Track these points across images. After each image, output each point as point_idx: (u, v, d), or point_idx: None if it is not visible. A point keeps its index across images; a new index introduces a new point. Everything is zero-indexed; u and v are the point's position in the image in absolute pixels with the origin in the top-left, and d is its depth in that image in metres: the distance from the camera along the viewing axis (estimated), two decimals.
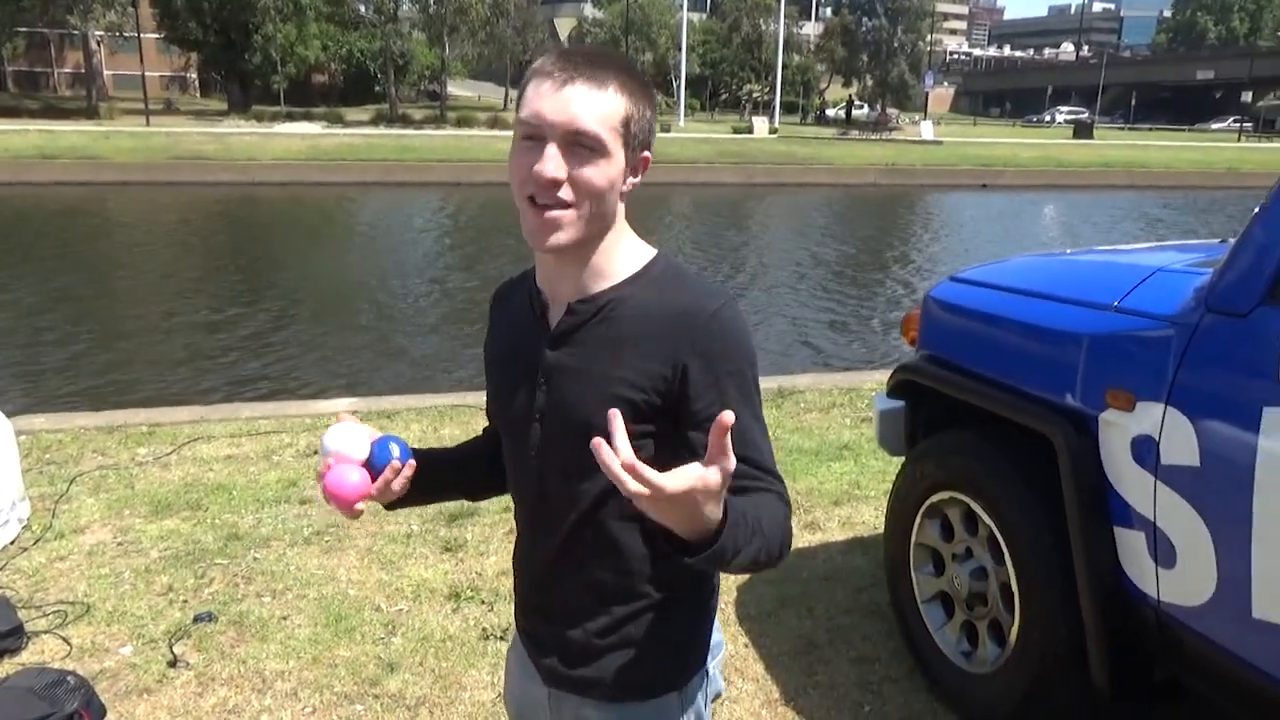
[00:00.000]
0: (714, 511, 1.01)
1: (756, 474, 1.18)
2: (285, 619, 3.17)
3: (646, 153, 1.20)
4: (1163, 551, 2.02)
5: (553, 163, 1.11)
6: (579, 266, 1.21)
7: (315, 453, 4.76)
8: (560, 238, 1.15)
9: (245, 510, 4.04)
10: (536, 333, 1.25)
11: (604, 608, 1.26)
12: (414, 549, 3.71)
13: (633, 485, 0.94)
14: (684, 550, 1.03)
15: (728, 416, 0.94)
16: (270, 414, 5.46)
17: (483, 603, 3.30)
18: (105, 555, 3.61)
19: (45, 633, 3.03)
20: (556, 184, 1.12)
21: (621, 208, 1.22)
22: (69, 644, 2.97)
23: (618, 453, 0.94)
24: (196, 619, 3.13)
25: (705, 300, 1.18)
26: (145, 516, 3.96)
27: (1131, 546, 2.10)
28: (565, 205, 1.13)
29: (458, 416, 5.37)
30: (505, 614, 3.20)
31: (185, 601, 3.27)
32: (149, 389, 7.97)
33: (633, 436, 1.15)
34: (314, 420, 5.28)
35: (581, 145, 1.12)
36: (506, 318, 1.33)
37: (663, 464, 1.18)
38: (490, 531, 3.84)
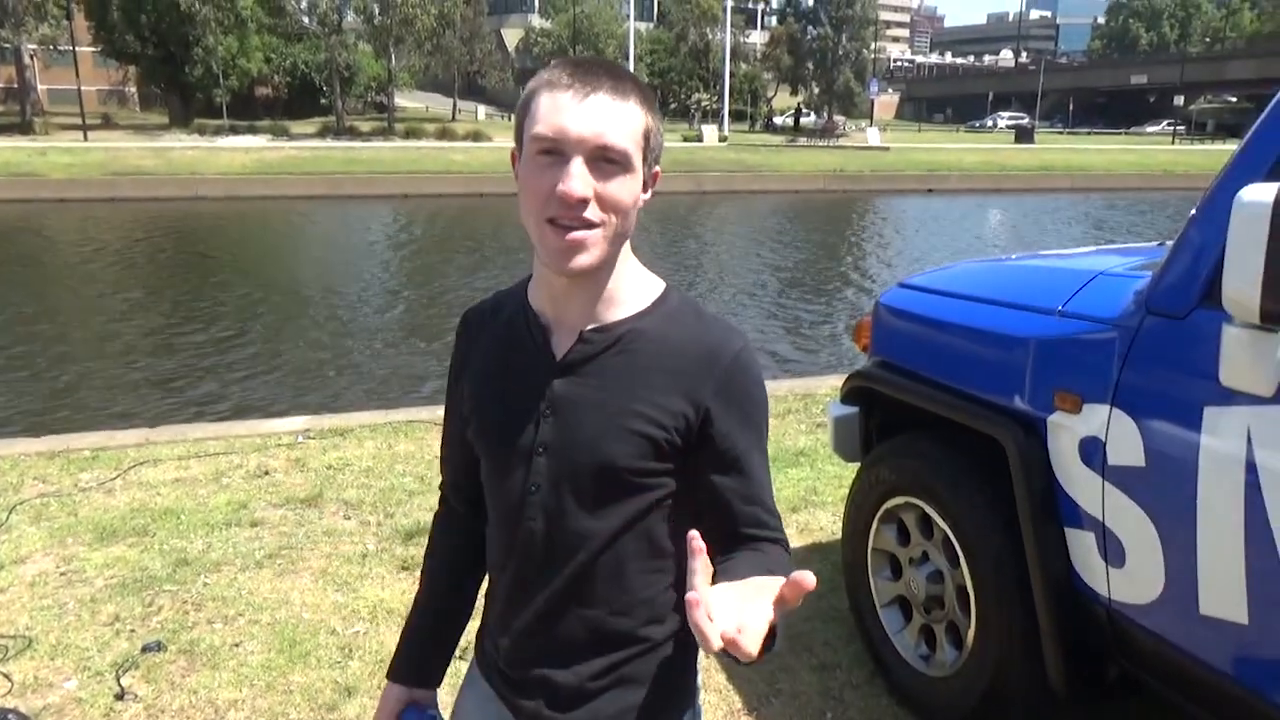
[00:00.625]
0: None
1: (768, 523, 1.18)
2: (237, 646, 3.10)
3: (658, 167, 1.16)
4: (1112, 551, 2.06)
5: (580, 180, 1.04)
6: (592, 291, 1.14)
7: (266, 473, 4.68)
8: (586, 259, 1.08)
9: (194, 535, 3.95)
10: (536, 360, 1.17)
11: (602, 650, 1.19)
12: (370, 569, 3.66)
13: (747, 647, 0.86)
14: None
15: (808, 581, 0.87)
16: (219, 434, 5.35)
17: None
18: (48, 586, 3.49)
19: None
20: (584, 202, 1.05)
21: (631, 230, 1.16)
22: (10, 680, 2.87)
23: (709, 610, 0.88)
24: (145, 649, 3.05)
25: (728, 340, 1.16)
26: (89, 544, 3.85)
27: (1082, 547, 2.14)
28: (590, 225, 1.06)
29: (412, 432, 5.31)
30: (467, 631, 3.16)
31: (133, 631, 3.18)
32: (93, 412, 7.76)
33: (653, 475, 1.15)
34: (263, 440, 5.19)
35: (608, 160, 1.06)
36: (491, 344, 1.24)
37: (679, 503, 1.19)
38: None
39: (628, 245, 1.16)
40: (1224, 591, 1.81)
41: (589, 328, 1.15)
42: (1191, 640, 1.92)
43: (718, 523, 1.17)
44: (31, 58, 39.42)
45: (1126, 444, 1.98)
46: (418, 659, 1.39)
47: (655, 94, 1.14)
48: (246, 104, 46.08)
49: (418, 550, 3.79)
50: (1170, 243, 2.11)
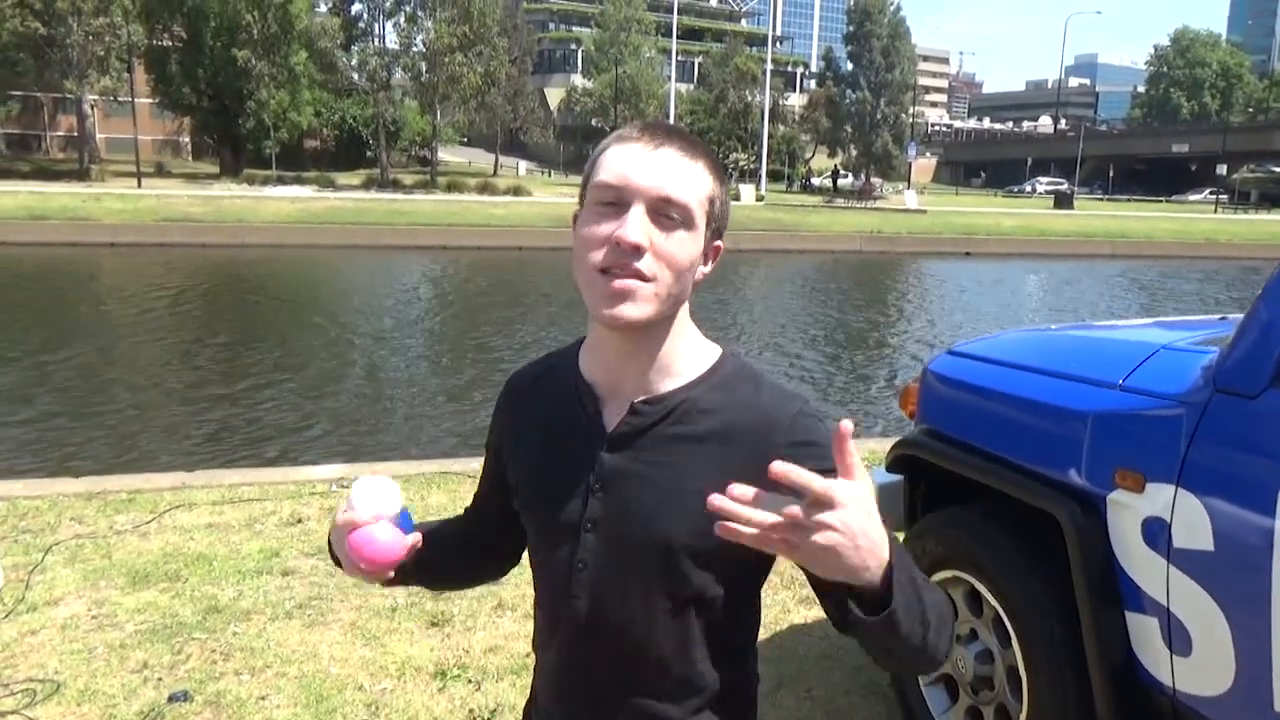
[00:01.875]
0: (879, 543, 0.90)
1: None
2: (264, 699, 3.05)
3: (719, 241, 1.10)
4: (1177, 638, 1.96)
5: (637, 227, 1.00)
6: (645, 357, 1.09)
7: (299, 521, 4.66)
8: (635, 312, 1.02)
9: (226, 582, 3.93)
10: (587, 431, 1.12)
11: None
12: (399, 623, 3.60)
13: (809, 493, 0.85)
14: (862, 603, 0.93)
15: (846, 425, 0.87)
16: (254, 480, 5.36)
17: (469, 681, 3.18)
18: (79, 629, 3.48)
19: (11, 713, 2.90)
20: (639, 251, 1.00)
21: (689, 296, 1.10)
22: None
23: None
24: (171, 698, 3.01)
25: (783, 405, 1.09)
26: (122, 588, 3.84)
27: (1144, 632, 2.04)
28: (643, 278, 1.01)
29: (445, 484, 5.28)
30: (493, 694, 3.09)
31: (160, 679, 3.14)
32: (133, 454, 7.84)
33: (711, 554, 1.06)
34: (298, 487, 5.18)
35: (669, 215, 1.02)
36: (540, 410, 1.19)
37: (737, 593, 1.11)
38: (478, 605, 3.73)
39: (685, 313, 1.11)
40: None
41: (640, 399, 1.10)
42: None
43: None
44: (92, 108, 40.86)
45: (1194, 526, 1.89)
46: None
47: (724, 168, 1.10)
48: (295, 155, 47.27)
49: (448, 605, 3.74)
50: (1234, 317, 2.04)
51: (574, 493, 1.12)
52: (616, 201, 1.03)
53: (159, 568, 4.03)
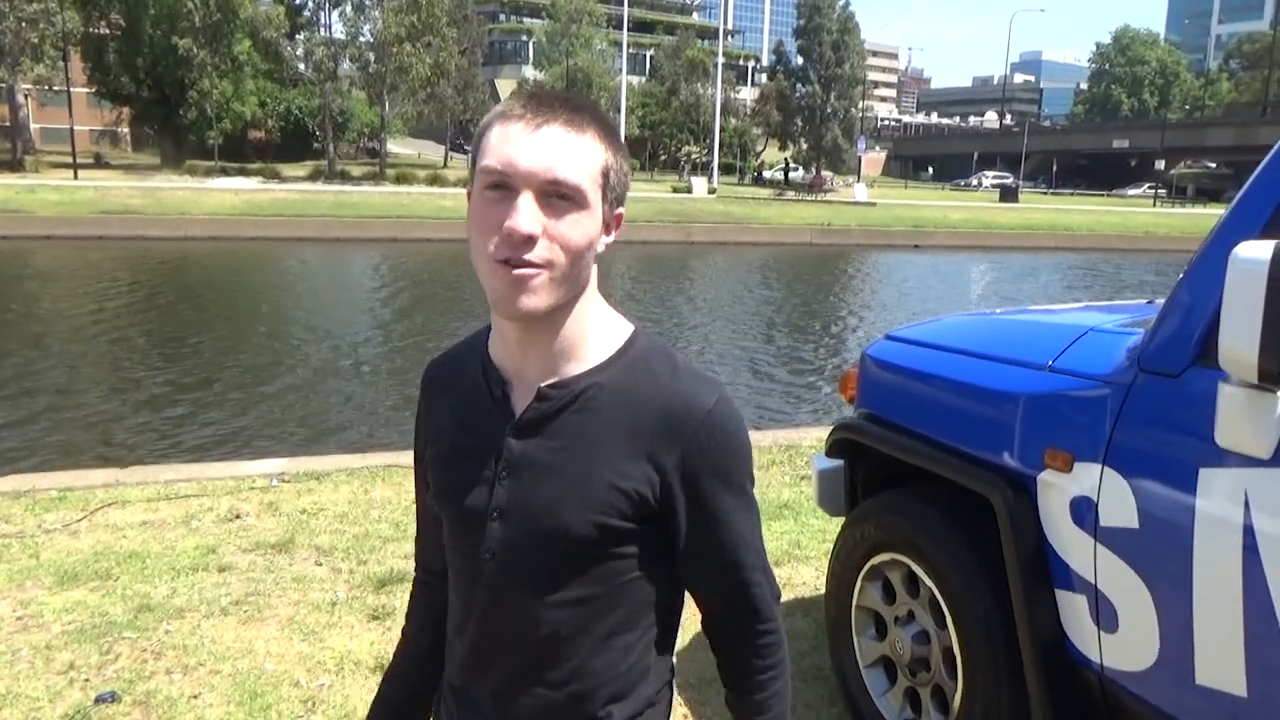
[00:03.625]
0: None
1: (761, 610, 1.15)
2: (196, 698, 2.97)
3: (620, 209, 1.06)
4: (1105, 615, 1.99)
5: (527, 216, 0.96)
6: (548, 341, 1.06)
7: (237, 517, 4.56)
8: (533, 301, 0.99)
9: (159, 580, 3.82)
10: (494, 418, 1.09)
11: None
12: (339, 618, 3.54)
13: None
14: None
15: None
16: (191, 476, 5.23)
17: None
18: (2, 631, 3.36)
19: None
20: (531, 241, 0.97)
21: (594, 272, 1.07)
22: None
23: None
24: (98, 699, 2.91)
25: (698, 395, 1.05)
26: (49, 588, 3.72)
27: (1074, 610, 2.07)
28: (538, 266, 0.98)
29: (390, 477, 5.20)
30: None
31: (87, 680, 3.05)
32: (63, 451, 7.61)
33: (614, 546, 1.06)
34: (237, 482, 5.07)
35: (560, 196, 0.98)
36: (450, 398, 1.16)
37: (646, 576, 1.10)
38: None
39: (592, 291, 1.08)
40: (1221, 661, 1.75)
41: (547, 383, 1.07)
42: (1187, 711, 1.85)
43: (708, 602, 1.14)
44: (26, 97, 39.58)
45: (1119, 505, 1.92)
46: None
47: (618, 131, 1.06)
48: (238, 147, 46.23)
49: (390, 599, 3.68)
50: (1160, 300, 2.08)
51: (482, 480, 1.09)
52: (503, 185, 0.99)
53: (89, 566, 3.91)
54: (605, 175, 1.03)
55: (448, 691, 1.20)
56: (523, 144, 0.98)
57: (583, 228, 1.01)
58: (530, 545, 1.06)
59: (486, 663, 1.12)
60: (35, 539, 4.21)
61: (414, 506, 1.32)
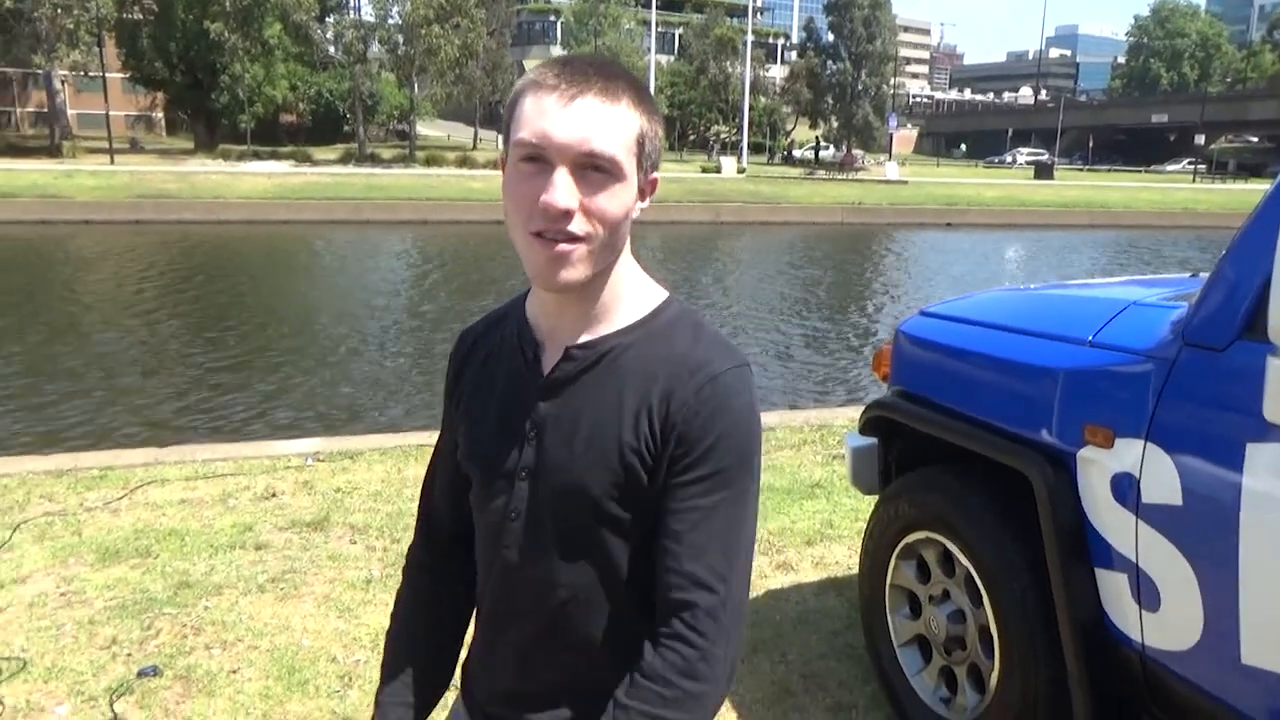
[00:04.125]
0: None
1: (690, 600, 1.00)
2: (235, 672, 3.02)
3: (655, 173, 1.05)
4: (1146, 594, 1.95)
5: (564, 191, 0.96)
6: (584, 305, 1.06)
7: (273, 495, 4.61)
8: (572, 274, 0.99)
9: (198, 557, 3.88)
10: (527, 379, 1.10)
11: (576, 697, 1.10)
12: (374, 595, 3.58)
13: None
14: None
15: None
16: (228, 455, 5.30)
17: None
18: (47, 606, 3.43)
19: None
20: (569, 215, 0.96)
21: (629, 237, 1.06)
22: (2, 703, 2.80)
23: None
24: (140, 673, 2.97)
25: (713, 360, 1.03)
26: (91, 565, 3.79)
27: (1114, 588, 2.04)
28: (576, 239, 0.98)
29: (423, 456, 5.24)
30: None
31: (129, 655, 3.11)
32: (104, 431, 7.75)
33: (630, 507, 1.04)
34: (272, 462, 5.13)
35: (596, 169, 0.97)
36: (485, 362, 1.17)
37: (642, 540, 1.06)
38: None
39: (627, 254, 1.08)
40: (1268, 640, 1.71)
41: (575, 344, 1.07)
42: (1231, 691, 1.82)
43: (657, 573, 1.05)
44: (63, 83, 40.09)
45: (1162, 481, 1.88)
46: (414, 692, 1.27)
47: (650, 93, 1.05)
48: (271, 130, 46.62)
49: None
50: (1204, 275, 2.02)
51: (513, 441, 1.09)
52: (538, 158, 0.98)
53: (130, 544, 3.98)
54: (640, 144, 1.01)
55: (475, 658, 1.22)
56: (557, 116, 0.97)
57: (619, 199, 1.00)
58: (551, 505, 1.07)
59: (506, 626, 1.13)
60: (78, 517, 4.29)
61: None
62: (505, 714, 1.16)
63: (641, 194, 1.04)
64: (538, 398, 1.08)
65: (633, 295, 1.09)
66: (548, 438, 1.07)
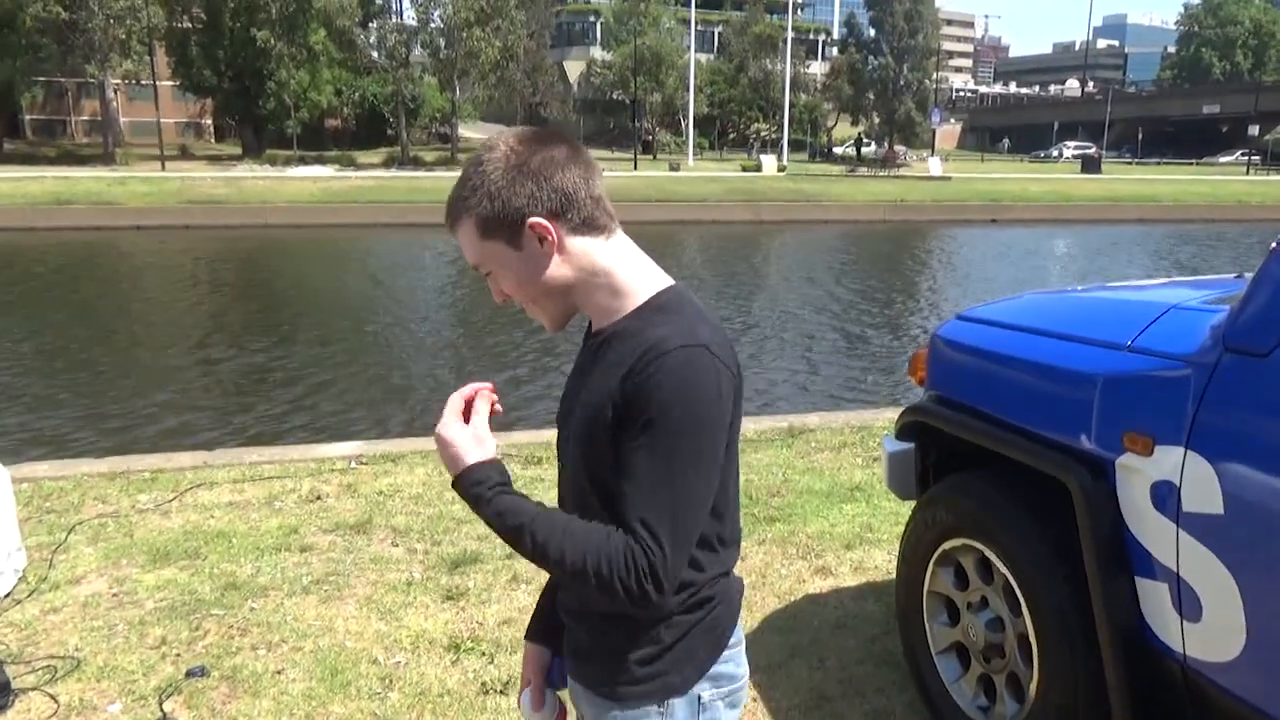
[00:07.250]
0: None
1: (633, 529, 1.17)
2: (280, 673, 3.08)
3: (534, 219, 1.20)
4: (1187, 603, 1.92)
5: (493, 289, 1.30)
6: (587, 310, 1.31)
7: (318, 498, 4.69)
8: (545, 323, 1.32)
9: (244, 559, 3.97)
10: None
11: (586, 610, 1.31)
12: (414, 597, 3.63)
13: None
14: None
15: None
16: (274, 458, 5.40)
17: (483, 654, 3.20)
18: (100, 607, 3.53)
19: (33, 689, 2.95)
20: (507, 301, 1.30)
21: (590, 260, 1.24)
22: (56, 701, 2.89)
23: None
24: (189, 674, 3.05)
25: (669, 338, 1.16)
26: (142, 566, 3.89)
27: (1154, 598, 2.01)
28: (528, 308, 1.30)
29: None
30: (506, 666, 3.11)
31: (178, 655, 3.19)
32: (156, 434, 7.94)
33: (604, 475, 1.22)
34: (318, 464, 5.22)
35: (485, 272, 1.27)
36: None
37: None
38: (493, 579, 3.75)
39: (604, 269, 1.24)
40: None
41: (590, 333, 1.32)
42: (1275, 703, 1.78)
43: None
44: (115, 92, 41.12)
45: (1203, 489, 1.85)
46: (544, 624, 1.52)
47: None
48: (316, 135, 47.41)
49: (463, 579, 3.76)
50: (1249, 275, 1.98)
51: (562, 422, 1.36)
52: None
53: (179, 545, 4.08)
54: (484, 231, 1.22)
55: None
56: None
57: (515, 274, 1.25)
58: (567, 476, 1.32)
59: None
60: (129, 518, 4.41)
61: None
62: (566, 624, 1.40)
63: (541, 241, 1.22)
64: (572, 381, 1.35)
65: (626, 293, 1.26)
66: (567, 404, 1.33)
